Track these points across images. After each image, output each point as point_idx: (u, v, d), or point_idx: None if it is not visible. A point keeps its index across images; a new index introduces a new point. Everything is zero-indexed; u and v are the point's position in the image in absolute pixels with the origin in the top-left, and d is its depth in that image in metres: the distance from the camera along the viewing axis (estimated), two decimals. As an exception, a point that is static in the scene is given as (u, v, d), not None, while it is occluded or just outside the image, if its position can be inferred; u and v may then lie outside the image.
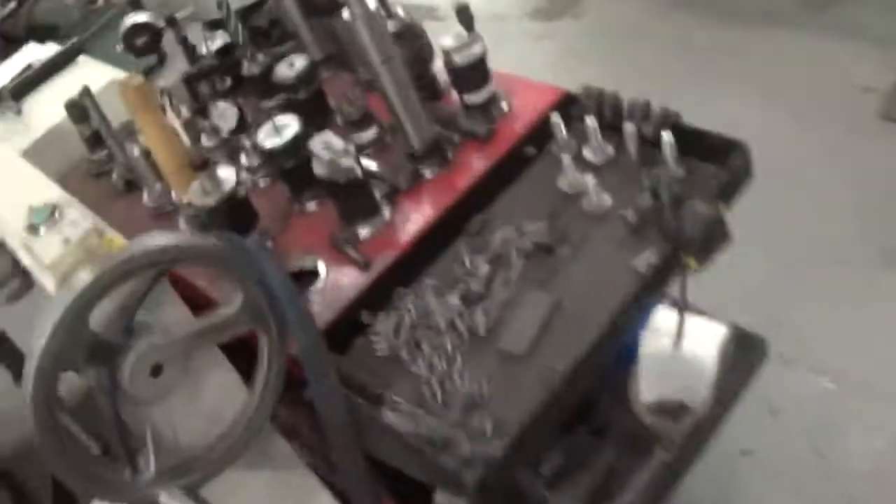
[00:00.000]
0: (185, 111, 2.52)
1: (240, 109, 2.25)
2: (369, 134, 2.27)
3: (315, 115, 2.35)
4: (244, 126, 2.28)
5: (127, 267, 1.51)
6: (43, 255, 1.76)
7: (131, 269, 1.52)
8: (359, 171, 1.92)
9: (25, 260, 1.88)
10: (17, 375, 2.19)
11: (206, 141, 2.47)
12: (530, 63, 4.88)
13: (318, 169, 1.95)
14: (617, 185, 2.00)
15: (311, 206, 2.22)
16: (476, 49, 2.10)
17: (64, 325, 1.46)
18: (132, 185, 2.53)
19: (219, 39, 2.61)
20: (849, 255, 3.32)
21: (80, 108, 2.50)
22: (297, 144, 2.09)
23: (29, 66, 3.36)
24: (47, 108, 3.05)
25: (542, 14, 5.38)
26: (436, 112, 2.20)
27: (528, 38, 5.25)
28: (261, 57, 2.46)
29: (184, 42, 2.42)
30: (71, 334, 1.48)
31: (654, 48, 4.72)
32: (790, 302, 3.17)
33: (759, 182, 2.03)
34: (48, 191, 1.98)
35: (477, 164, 2.13)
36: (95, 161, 2.74)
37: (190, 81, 2.42)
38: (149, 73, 2.66)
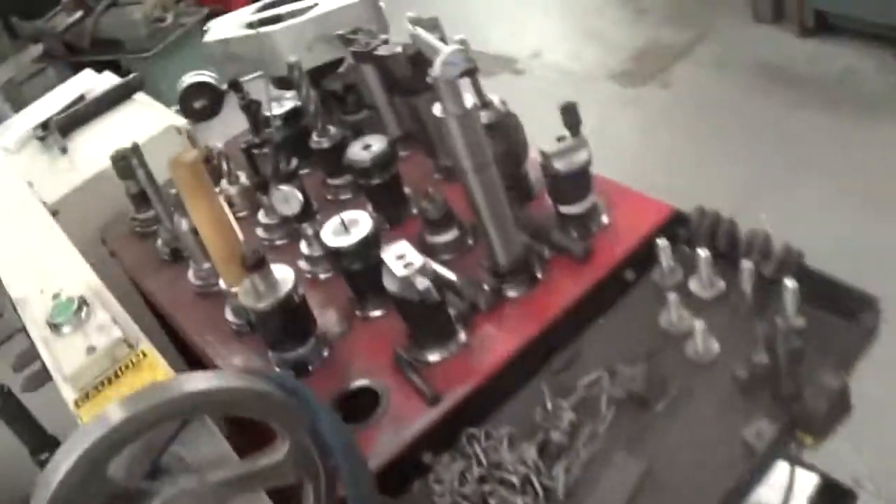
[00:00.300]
0: (243, 178, 2.27)
1: (305, 194, 1.97)
2: (448, 236, 1.99)
3: (389, 203, 2.14)
4: (308, 213, 2.01)
5: (161, 413, 1.25)
6: (63, 362, 1.51)
7: (165, 415, 1.26)
8: (435, 295, 1.64)
9: (45, 357, 1.63)
10: (23, 439, 1.92)
11: (263, 217, 2.21)
12: (612, 130, 4.62)
13: (389, 284, 1.69)
14: (726, 329, 1.73)
15: (377, 312, 1.95)
16: (580, 157, 1.83)
17: (77, 472, 1.20)
18: (178, 255, 2.27)
19: (287, 103, 2.36)
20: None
21: (128, 163, 2.24)
22: (367, 247, 1.82)
23: (82, 98, 3.14)
24: (95, 149, 2.84)
25: (628, 78, 5.10)
26: (526, 220, 1.93)
27: (611, 102, 4.97)
28: (332, 130, 2.22)
29: (248, 109, 2.17)
30: (84, 484, 1.22)
31: (744, 128, 4.44)
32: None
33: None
34: (79, 274, 1.74)
35: (569, 286, 1.86)
36: (141, 220, 2.49)
37: (251, 151, 2.15)
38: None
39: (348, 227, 1.86)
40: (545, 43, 5.75)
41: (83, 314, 1.58)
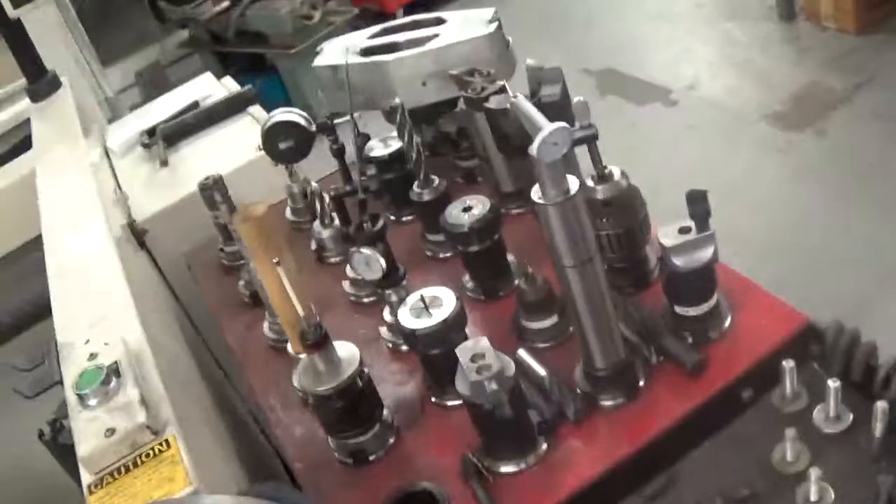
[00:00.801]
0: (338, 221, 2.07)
1: (390, 257, 1.77)
2: (546, 322, 1.75)
3: (487, 274, 1.95)
4: (394, 278, 1.79)
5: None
6: (81, 440, 1.33)
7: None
8: (508, 410, 1.41)
9: (72, 426, 1.45)
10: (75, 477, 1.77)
11: (351, 270, 2.02)
12: (758, 177, 4.29)
13: (461, 386, 1.46)
14: (846, 475, 1.47)
15: (454, 402, 1.73)
16: (704, 254, 1.57)
17: None
18: (258, 300, 2.08)
19: (393, 143, 2.15)
20: None
21: (211, 194, 2.07)
22: (447, 331, 1.60)
23: (195, 105, 2.99)
24: (197, 165, 2.69)
25: (783, 121, 4.74)
26: (637, 314, 1.67)
27: (762, 146, 4.62)
28: (436, 181, 2.00)
29: (339, 155, 1.96)
30: None
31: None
32: None
33: None
34: (126, 330, 1.55)
35: (674, 403, 1.60)
36: (227, 253, 2.31)
37: (341, 199, 1.95)
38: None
39: (429, 305, 1.63)
40: (702, 75, 5.41)
41: (111, 386, 1.40)
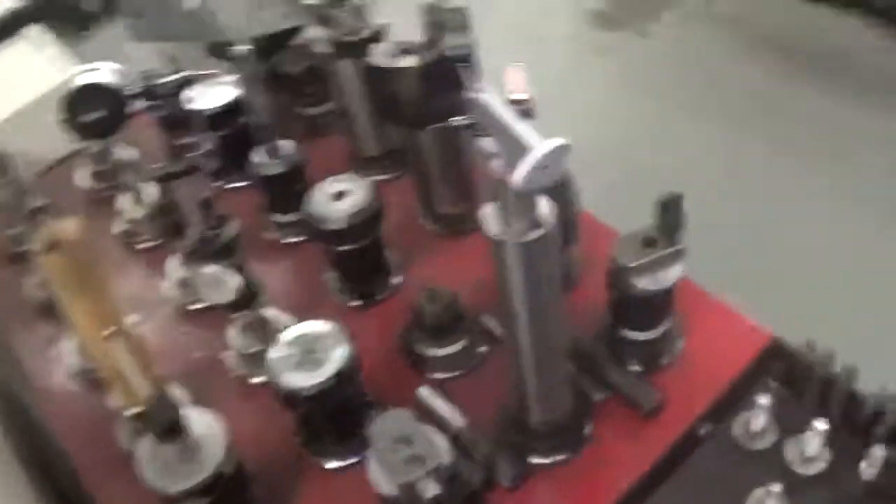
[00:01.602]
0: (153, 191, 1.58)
1: (248, 279, 1.31)
2: (452, 348, 1.36)
3: (362, 276, 1.53)
4: (246, 299, 1.34)
5: None
6: None
7: None
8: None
9: None
10: None
11: (178, 268, 1.54)
12: (578, 83, 3.99)
13: (381, 481, 1.07)
14: None
15: (338, 462, 1.31)
16: (671, 273, 1.20)
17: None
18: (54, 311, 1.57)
19: (220, 91, 1.66)
20: None
21: None
22: (341, 389, 1.19)
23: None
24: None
25: (603, 21, 4.43)
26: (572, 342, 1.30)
27: (577, 48, 4.31)
28: (286, 148, 1.54)
29: (166, 125, 1.47)
30: None
31: (726, 96, 3.84)
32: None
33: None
34: None
35: (628, 455, 1.26)
36: (10, 236, 1.76)
37: (166, 181, 1.47)
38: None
39: (309, 349, 1.21)
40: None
41: None
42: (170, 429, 1.08)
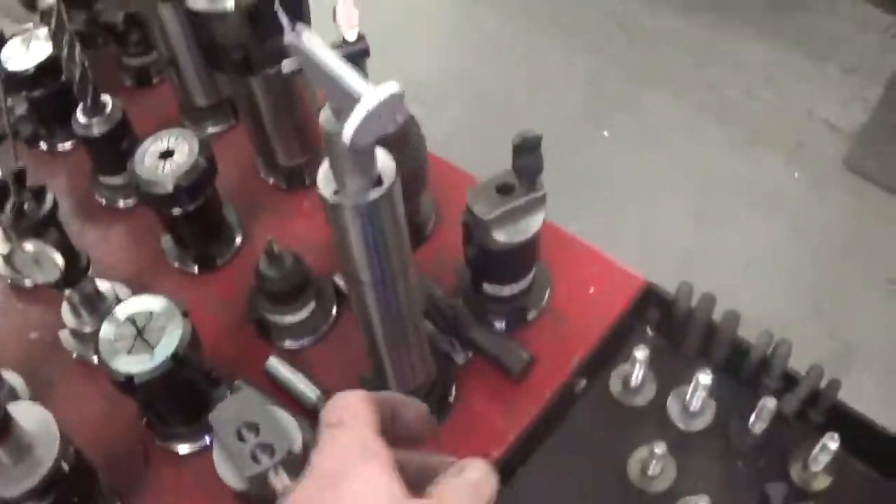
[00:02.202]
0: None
1: (67, 249, 1.17)
2: (300, 315, 1.26)
3: (199, 238, 1.41)
4: (75, 271, 1.21)
5: None
6: None
7: None
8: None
9: None
10: None
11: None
12: (426, 9, 3.87)
13: (227, 475, 0.96)
14: (720, 486, 1.16)
15: (187, 445, 1.19)
16: (532, 223, 1.12)
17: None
18: None
19: (37, 48, 1.50)
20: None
21: None
22: (177, 372, 1.07)
23: None
24: None
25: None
26: (432, 302, 1.21)
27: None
28: (109, 105, 1.40)
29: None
30: None
31: (582, 20, 3.78)
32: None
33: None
34: None
35: (495, 421, 1.19)
36: None
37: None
38: None
39: (142, 329, 1.08)
40: None
41: None
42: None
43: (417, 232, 1.36)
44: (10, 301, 1.42)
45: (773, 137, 3.33)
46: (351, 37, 1.08)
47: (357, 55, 1.09)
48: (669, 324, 1.25)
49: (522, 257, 1.17)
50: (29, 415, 1.02)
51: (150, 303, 1.12)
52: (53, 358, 1.34)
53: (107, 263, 1.43)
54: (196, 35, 1.26)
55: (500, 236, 1.11)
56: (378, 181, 0.84)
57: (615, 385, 1.23)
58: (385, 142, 1.12)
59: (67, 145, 1.61)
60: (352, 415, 0.66)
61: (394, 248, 0.90)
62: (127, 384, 1.07)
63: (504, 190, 1.11)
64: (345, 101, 0.73)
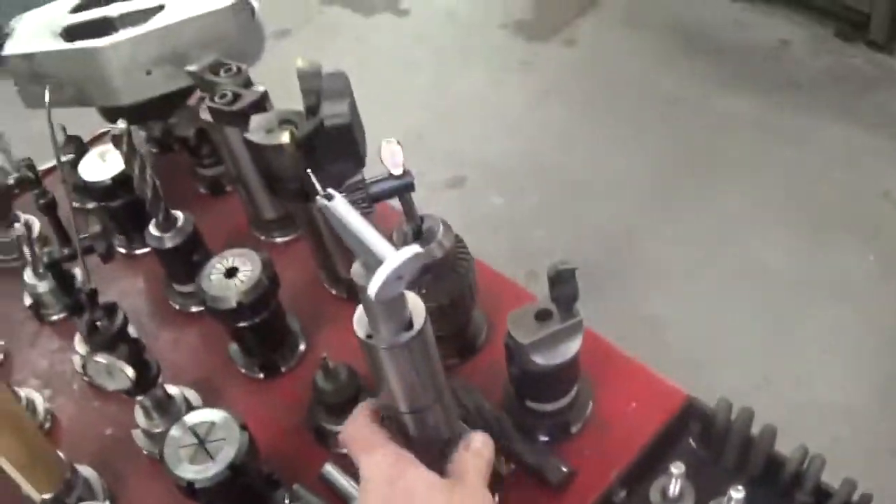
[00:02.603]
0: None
1: (138, 361, 1.27)
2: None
3: (264, 349, 1.49)
4: (146, 381, 1.30)
5: None
6: None
7: None
8: None
9: None
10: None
11: (80, 345, 1.49)
12: (503, 96, 3.97)
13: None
14: None
15: None
16: (570, 347, 1.18)
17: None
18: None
19: (114, 160, 1.62)
20: None
21: None
22: (235, 479, 1.15)
23: None
24: None
25: (525, 31, 4.40)
26: (478, 414, 1.28)
27: (502, 59, 4.30)
28: (180, 220, 1.50)
29: (49, 211, 1.42)
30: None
31: (653, 104, 3.86)
32: None
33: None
34: None
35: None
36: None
37: (58, 265, 1.42)
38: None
39: (204, 438, 1.17)
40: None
41: None
42: None
43: (468, 346, 1.42)
44: (88, 399, 1.52)
45: (849, 220, 3.33)
46: (396, 172, 1.15)
47: (402, 188, 1.17)
48: (709, 437, 1.29)
49: (562, 378, 1.23)
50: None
51: (212, 415, 1.20)
52: (127, 453, 1.43)
53: (178, 367, 1.53)
54: (255, 163, 1.35)
55: (539, 359, 1.18)
56: (409, 324, 0.91)
57: (655, 496, 1.27)
58: (431, 268, 1.21)
59: (145, 249, 1.69)
60: (374, 439, 0.95)
61: (426, 382, 0.97)
62: (189, 489, 1.15)
63: (542, 317, 1.18)
64: (371, 260, 0.81)
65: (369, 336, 0.91)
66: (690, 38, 4.09)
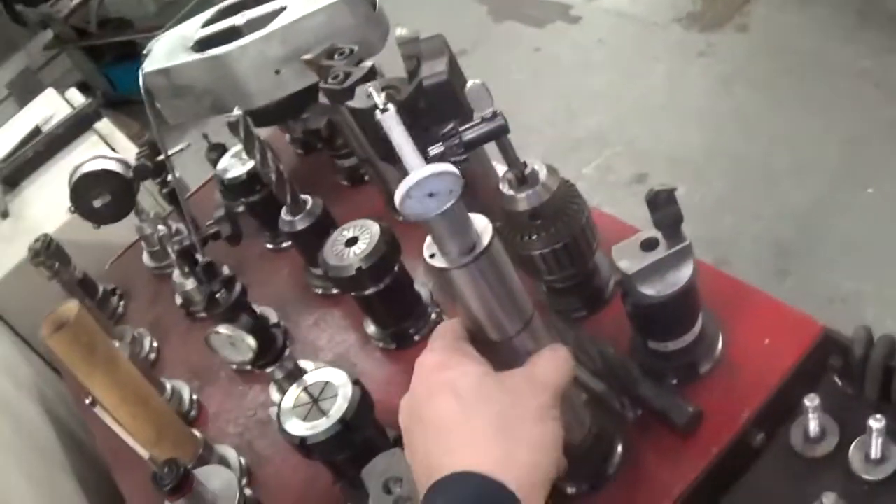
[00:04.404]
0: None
1: (260, 332, 1.29)
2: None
3: (391, 316, 1.50)
4: (271, 352, 1.33)
5: None
6: None
7: None
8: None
9: None
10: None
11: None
12: (683, 87, 3.88)
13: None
14: None
15: None
16: (681, 275, 1.12)
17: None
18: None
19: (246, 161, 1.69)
20: None
21: (44, 262, 1.58)
22: (345, 435, 1.15)
23: (37, 131, 2.44)
24: (44, 208, 2.20)
25: (698, 21, 4.29)
26: (600, 358, 1.23)
27: (679, 52, 4.19)
28: (309, 203, 1.53)
29: (172, 199, 1.48)
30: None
31: (830, 80, 3.64)
32: None
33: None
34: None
35: (663, 476, 1.18)
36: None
37: (189, 253, 1.47)
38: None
39: (318, 398, 1.18)
40: (600, -18, 4.96)
41: None
42: (177, 486, 1.09)
43: (595, 296, 1.38)
44: (234, 382, 1.58)
45: None
46: (487, 114, 1.13)
47: (496, 132, 1.15)
48: (850, 370, 1.20)
49: (678, 311, 1.17)
50: (216, 476, 1.15)
51: (327, 374, 1.21)
52: (266, 432, 1.46)
53: (318, 346, 1.56)
54: (363, 131, 1.36)
55: (649, 290, 1.13)
56: (479, 240, 0.89)
57: (796, 437, 1.19)
58: (539, 212, 1.18)
59: (289, 243, 1.74)
60: (442, 332, 0.90)
61: (508, 304, 0.94)
62: (302, 446, 1.16)
63: (648, 245, 1.13)
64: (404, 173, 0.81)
65: (432, 256, 0.89)
66: (863, 10, 3.87)
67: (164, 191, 1.56)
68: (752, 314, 1.27)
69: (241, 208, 1.79)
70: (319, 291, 1.66)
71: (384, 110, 0.87)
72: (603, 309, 1.38)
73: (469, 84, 1.10)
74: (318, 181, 1.80)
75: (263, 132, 1.91)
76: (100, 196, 1.62)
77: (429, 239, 0.91)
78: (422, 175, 0.79)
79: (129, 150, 2.29)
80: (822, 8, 3.96)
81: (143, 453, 1.10)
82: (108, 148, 2.33)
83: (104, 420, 1.09)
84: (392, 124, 0.85)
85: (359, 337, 1.54)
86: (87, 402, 1.11)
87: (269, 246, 1.80)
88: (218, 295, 1.28)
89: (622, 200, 3.59)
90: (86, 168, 1.64)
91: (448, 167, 0.80)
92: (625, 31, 4.47)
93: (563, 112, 4.11)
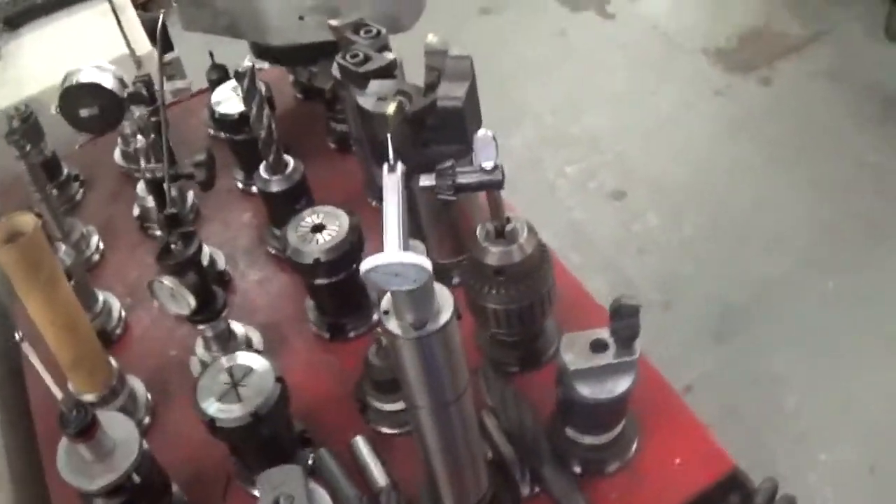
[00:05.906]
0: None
1: (202, 291, 1.29)
2: (395, 407, 1.31)
3: (334, 308, 1.50)
4: (208, 313, 1.33)
5: None
6: None
7: None
8: None
9: None
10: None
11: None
12: (689, 121, 3.86)
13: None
14: None
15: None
16: (619, 385, 1.14)
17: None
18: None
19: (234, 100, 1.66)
20: None
21: (18, 138, 1.54)
22: (256, 427, 1.16)
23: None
24: (35, 62, 2.22)
25: (724, 59, 4.26)
26: (515, 417, 1.25)
27: (696, 82, 4.18)
28: (290, 165, 1.51)
29: (158, 131, 1.45)
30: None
31: (840, 162, 3.67)
32: None
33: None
34: None
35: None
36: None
37: (158, 184, 1.45)
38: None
39: (238, 381, 1.18)
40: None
41: None
42: (82, 430, 1.08)
43: (532, 357, 1.39)
44: (163, 318, 1.56)
45: None
46: (488, 166, 1.12)
47: (490, 185, 1.14)
48: (745, 506, 1.22)
49: (604, 414, 1.18)
50: (118, 424, 1.14)
51: (253, 360, 1.21)
52: (181, 378, 1.46)
53: (254, 307, 1.55)
54: (363, 128, 1.35)
55: (584, 390, 1.13)
56: (435, 318, 0.88)
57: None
58: (506, 270, 1.18)
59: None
60: None
61: (446, 381, 0.94)
62: (211, 425, 1.16)
63: (597, 347, 1.13)
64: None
65: (385, 313, 0.89)
66: (890, 105, 3.88)
67: (153, 119, 1.53)
68: (674, 430, 1.29)
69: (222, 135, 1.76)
70: (273, 252, 1.65)
71: (392, 169, 0.86)
72: (536, 371, 1.39)
73: (480, 132, 1.09)
74: (307, 134, 1.78)
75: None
76: (88, 107, 1.58)
77: (388, 299, 0.91)
78: (392, 260, 0.78)
79: (138, 32, 2.23)
80: (849, 90, 3.95)
81: (57, 392, 1.09)
82: (106, 27, 2.28)
83: (28, 356, 1.07)
84: (392, 186, 0.84)
85: (297, 312, 1.53)
86: (17, 337, 1.10)
87: (240, 185, 1.78)
88: (173, 247, 1.26)
89: (594, 210, 3.60)
90: (81, 77, 1.60)
91: (420, 260, 0.79)
92: (651, 45, 4.43)
93: (566, 104, 4.08)
